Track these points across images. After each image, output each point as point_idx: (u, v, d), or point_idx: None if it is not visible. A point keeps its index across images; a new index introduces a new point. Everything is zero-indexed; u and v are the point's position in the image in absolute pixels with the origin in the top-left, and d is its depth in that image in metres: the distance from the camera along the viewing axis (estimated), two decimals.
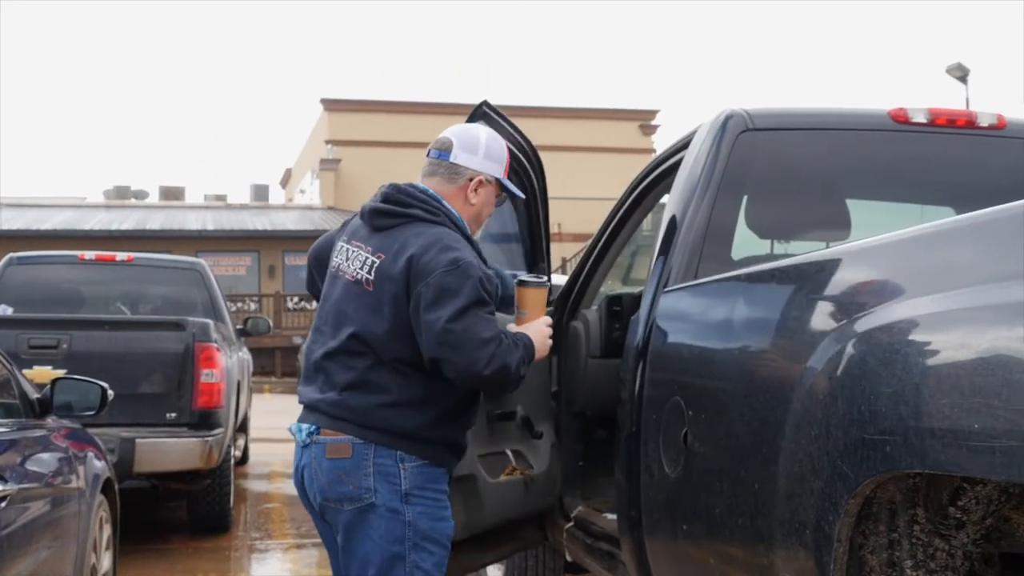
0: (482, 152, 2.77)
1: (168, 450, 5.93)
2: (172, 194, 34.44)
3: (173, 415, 6.02)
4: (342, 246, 2.77)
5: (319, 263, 2.96)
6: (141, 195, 35.29)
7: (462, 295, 2.54)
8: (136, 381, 5.99)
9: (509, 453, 3.51)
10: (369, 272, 2.64)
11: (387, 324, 2.60)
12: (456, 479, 2.97)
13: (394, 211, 2.69)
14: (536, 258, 3.78)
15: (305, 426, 2.69)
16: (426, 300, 2.53)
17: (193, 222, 27.92)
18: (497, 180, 2.80)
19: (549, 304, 3.27)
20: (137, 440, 5.83)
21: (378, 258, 2.64)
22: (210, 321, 6.46)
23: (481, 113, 3.60)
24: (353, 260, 2.70)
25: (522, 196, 3.07)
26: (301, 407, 2.77)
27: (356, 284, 2.66)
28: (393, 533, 2.59)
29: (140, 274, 8.21)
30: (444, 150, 2.77)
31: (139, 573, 5.57)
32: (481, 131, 2.86)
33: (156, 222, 27.68)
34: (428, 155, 2.81)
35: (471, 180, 2.76)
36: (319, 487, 2.64)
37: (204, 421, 6.08)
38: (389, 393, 2.61)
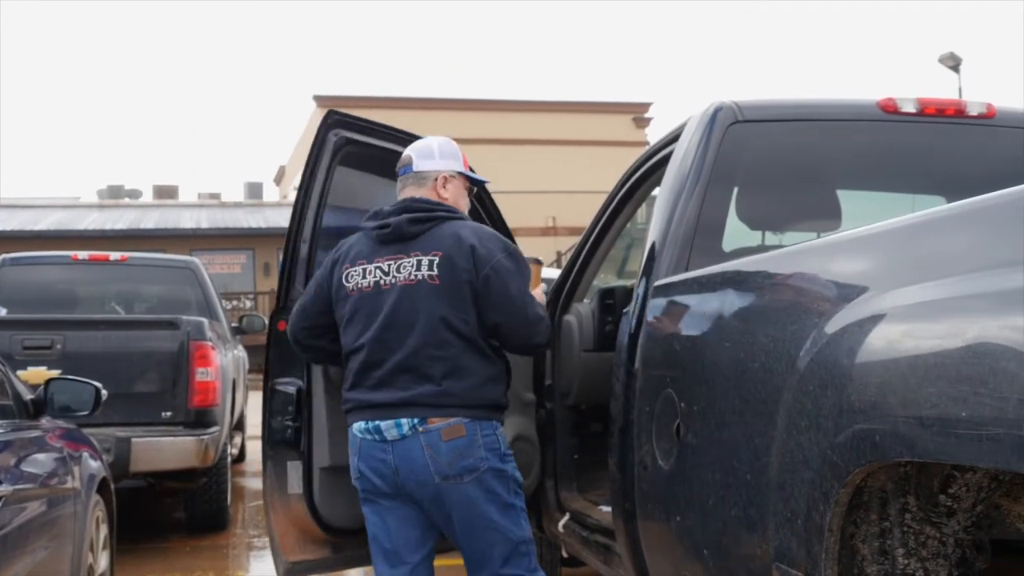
0: (437, 154, 3.18)
1: (164, 449, 5.93)
2: (166, 193, 34.36)
3: (169, 414, 6.01)
4: (366, 267, 3.04)
5: (321, 313, 3.17)
6: (135, 194, 35.22)
7: (521, 276, 3.04)
8: (131, 380, 5.98)
9: None
10: (431, 268, 2.96)
11: (467, 306, 2.97)
12: (345, 468, 3.19)
13: (425, 217, 3.03)
14: None
15: (405, 420, 2.95)
16: (495, 281, 2.96)
17: (187, 221, 27.87)
18: (460, 173, 3.20)
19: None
20: (133, 439, 5.82)
21: (435, 255, 2.97)
22: (204, 319, 6.45)
23: (331, 124, 3.60)
24: (401, 268, 2.99)
25: (486, 181, 3.40)
26: (367, 409, 3.00)
27: (418, 284, 2.97)
28: (506, 487, 3.01)
29: (134, 273, 8.20)
30: (407, 165, 3.19)
31: (137, 572, 5.57)
32: (432, 140, 3.24)
33: (150, 221, 27.62)
34: (397, 176, 3.20)
35: (436, 180, 3.15)
36: (438, 469, 2.93)
37: (200, 419, 6.07)
38: (478, 374, 2.99)
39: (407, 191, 3.14)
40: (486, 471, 2.97)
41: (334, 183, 3.60)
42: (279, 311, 3.49)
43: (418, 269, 2.97)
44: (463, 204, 3.21)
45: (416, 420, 2.94)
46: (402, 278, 2.98)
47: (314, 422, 3.45)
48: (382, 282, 3.00)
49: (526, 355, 3.18)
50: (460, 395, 2.95)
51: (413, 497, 3.00)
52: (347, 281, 3.06)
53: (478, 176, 3.30)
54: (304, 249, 3.52)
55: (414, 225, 3.01)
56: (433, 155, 3.18)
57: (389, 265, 3.01)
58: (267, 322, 4.10)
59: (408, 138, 3.76)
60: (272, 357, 3.52)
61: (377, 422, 2.98)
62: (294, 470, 3.45)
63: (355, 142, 3.64)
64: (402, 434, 2.95)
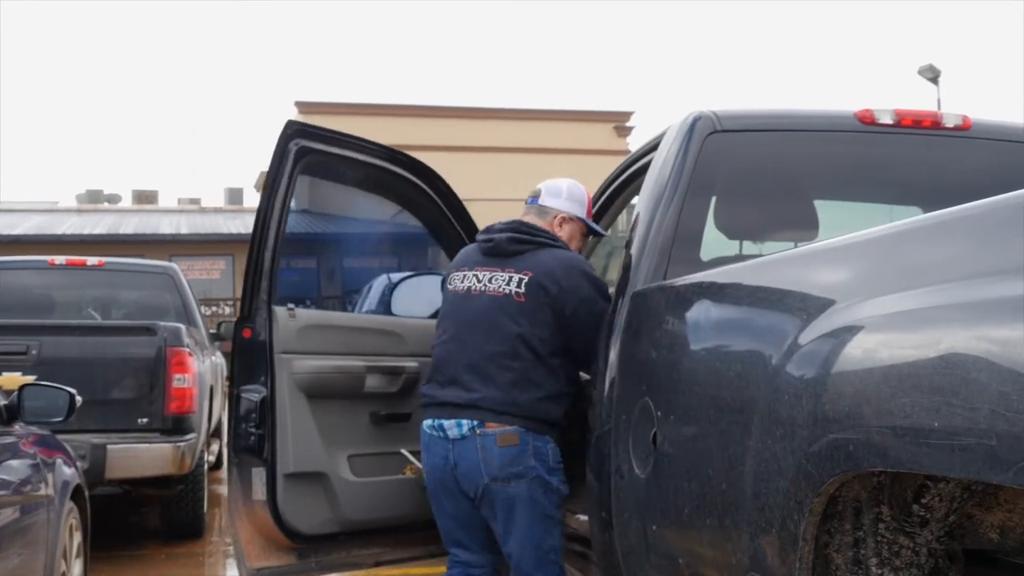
0: (565, 194, 3.42)
1: (140, 456, 5.88)
2: (145, 198, 34.16)
3: (145, 420, 5.97)
4: (466, 273, 3.31)
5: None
6: (114, 199, 35.00)
7: (603, 304, 3.16)
8: (107, 387, 5.94)
9: (405, 453, 3.61)
10: (519, 286, 3.19)
11: (544, 325, 3.17)
12: (309, 475, 3.43)
13: (527, 239, 3.28)
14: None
15: (466, 422, 3.16)
16: (582, 313, 3.16)
17: (167, 226, 27.73)
18: (580, 218, 3.41)
19: None
20: (108, 446, 5.77)
21: (525, 275, 3.20)
22: (182, 326, 6.41)
23: (291, 134, 3.62)
24: (493, 280, 3.24)
25: (604, 234, 3.73)
26: (435, 407, 3.23)
27: (504, 298, 3.20)
28: (547, 498, 3.18)
29: (111, 279, 8.14)
30: (535, 196, 3.44)
31: None
32: (564, 181, 3.47)
33: (129, 226, 27.46)
34: (526, 203, 3.46)
35: (555, 217, 3.38)
36: (489, 471, 3.13)
37: (176, 426, 6.03)
38: (543, 389, 3.17)
39: (527, 217, 3.40)
40: (532, 479, 3.15)
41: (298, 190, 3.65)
42: (243, 320, 3.51)
43: (507, 284, 3.21)
44: (575, 246, 3.42)
45: (476, 423, 3.15)
46: (492, 289, 3.23)
47: (278, 429, 3.48)
48: (473, 288, 3.26)
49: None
50: (521, 405, 3.14)
51: (467, 494, 3.21)
52: (449, 284, 3.36)
53: (598, 227, 3.58)
54: (267, 258, 3.54)
55: (513, 244, 3.26)
56: (560, 194, 3.43)
57: (484, 275, 3.27)
58: None
59: (372, 147, 3.79)
60: (237, 365, 3.55)
61: (442, 420, 3.20)
62: (258, 477, 3.48)
63: (316, 151, 3.67)
64: (462, 434, 3.16)
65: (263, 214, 3.57)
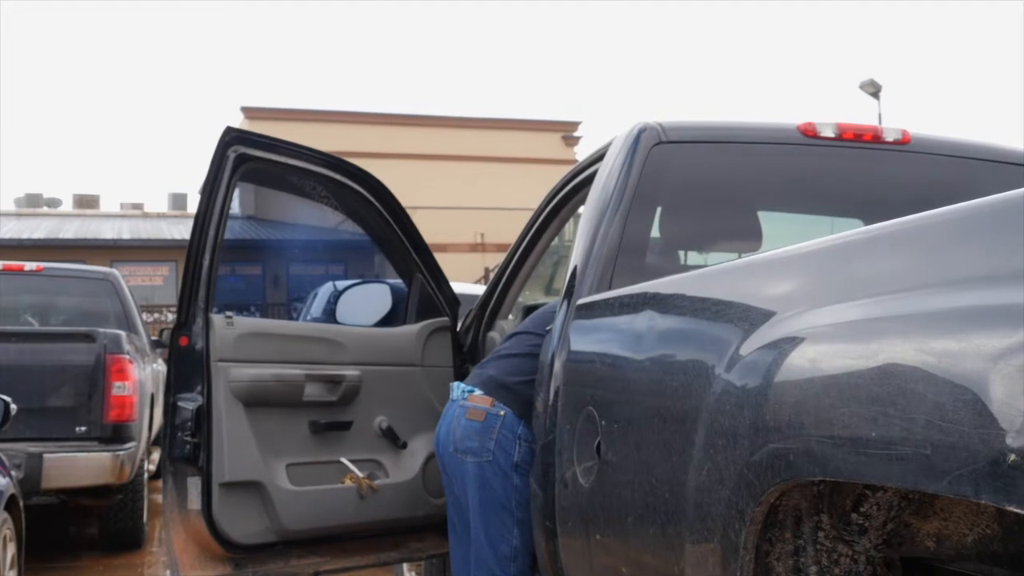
0: None
1: (78, 465, 5.78)
2: (86, 202, 33.59)
3: (83, 429, 5.87)
4: None
5: None
6: (54, 203, 34.37)
7: None
8: (44, 394, 5.83)
9: (345, 462, 3.61)
10: None
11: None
12: (245, 484, 3.42)
13: None
14: (409, 266, 3.98)
15: (463, 386, 3.27)
16: None
17: (108, 231, 27.30)
18: None
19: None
20: (45, 455, 5.67)
21: None
22: (122, 332, 6.32)
23: (229, 141, 3.61)
24: None
25: None
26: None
27: None
28: (504, 488, 3.13)
29: (50, 285, 8.00)
30: None
31: None
32: None
33: (70, 231, 26.99)
34: None
35: None
36: (452, 439, 3.19)
37: (116, 435, 5.94)
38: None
39: None
40: (486, 462, 3.12)
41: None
42: (180, 327, 3.48)
43: None
44: None
45: (468, 389, 3.23)
46: None
47: (214, 438, 3.46)
48: None
49: None
50: (511, 386, 3.18)
51: (443, 460, 3.28)
52: None
53: None
54: (205, 265, 3.52)
55: None
56: None
57: None
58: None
59: (313, 155, 3.79)
60: (174, 373, 3.52)
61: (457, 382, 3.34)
62: (193, 486, 3.45)
63: (255, 158, 3.65)
64: (453, 397, 3.26)
65: (201, 221, 3.56)
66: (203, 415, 3.46)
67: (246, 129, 3.76)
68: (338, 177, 3.90)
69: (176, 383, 3.52)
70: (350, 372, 3.73)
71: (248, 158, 3.64)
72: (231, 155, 3.59)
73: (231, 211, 3.70)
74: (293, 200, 4.42)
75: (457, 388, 3.28)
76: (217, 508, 3.45)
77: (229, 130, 3.63)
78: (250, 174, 3.75)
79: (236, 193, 3.76)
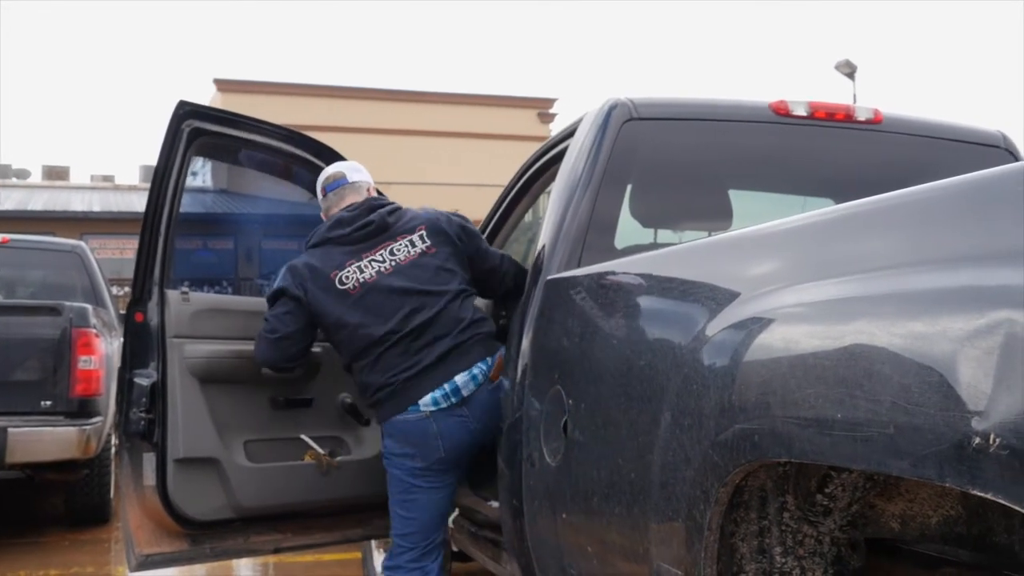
0: (363, 169, 3.54)
1: (43, 439, 5.70)
2: (56, 174, 33.19)
3: (48, 403, 5.78)
4: (357, 264, 3.23)
5: (307, 329, 3.34)
6: (23, 174, 33.94)
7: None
8: (9, 368, 5.74)
9: (305, 438, 3.60)
10: (424, 241, 3.26)
11: (463, 263, 3.29)
12: (200, 460, 3.44)
13: (393, 209, 3.38)
14: None
15: (462, 378, 3.12)
16: (477, 239, 3.41)
17: (78, 203, 26.99)
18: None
19: None
20: (9, 429, 5.58)
21: (422, 230, 3.28)
22: (89, 306, 6.22)
23: (183, 115, 3.58)
24: (395, 253, 3.25)
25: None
26: (431, 382, 3.12)
27: (420, 257, 3.24)
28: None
29: (16, 257, 7.87)
30: (340, 179, 3.48)
31: (11, 568, 5.36)
32: (348, 162, 3.60)
33: (39, 203, 26.66)
34: (326, 191, 3.48)
35: (368, 188, 3.48)
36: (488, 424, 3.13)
37: (82, 409, 5.86)
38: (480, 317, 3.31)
39: (349, 198, 3.42)
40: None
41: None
42: (135, 303, 3.46)
43: (414, 247, 3.26)
44: None
45: (479, 371, 3.16)
46: (400, 257, 3.24)
47: (168, 414, 3.45)
48: (380, 271, 3.22)
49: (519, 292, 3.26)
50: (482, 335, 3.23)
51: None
52: (341, 283, 3.22)
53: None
54: (160, 241, 3.49)
55: (391, 216, 3.33)
56: (360, 170, 3.54)
57: (382, 255, 3.25)
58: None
59: (270, 129, 3.74)
60: (129, 349, 3.50)
61: (453, 380, 3.13)
62: (148, 462, 3.44)
63: (210, 132, 3.61)
64: (477, 383, 3.14)
65: (155, 197, 3.53)
66: (158, 391, 3.44)
67: (204, 104, 3.71)
68: (298, 151, 3.85)
69: (131, 359, 3.50)
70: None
71: (203, 132, 3.60)
72: (185, 129, 3.55)
73: (205, 185, 3.67)
74: (262, 175, 4.37)
75: (471, 377, 3.14)
76: (172, 484, 3.44)
77: (183, 104, 3.59)
78: (208, 149, 3.71)
79: (209, 167, 3.75)
